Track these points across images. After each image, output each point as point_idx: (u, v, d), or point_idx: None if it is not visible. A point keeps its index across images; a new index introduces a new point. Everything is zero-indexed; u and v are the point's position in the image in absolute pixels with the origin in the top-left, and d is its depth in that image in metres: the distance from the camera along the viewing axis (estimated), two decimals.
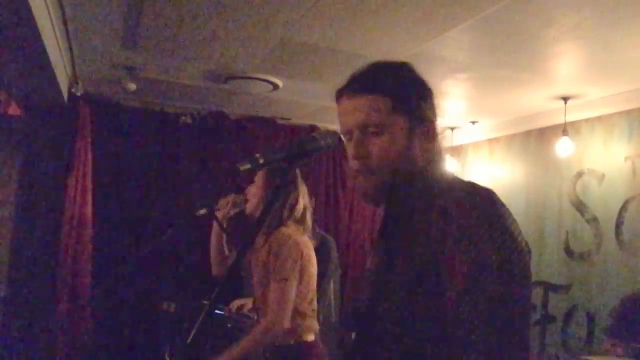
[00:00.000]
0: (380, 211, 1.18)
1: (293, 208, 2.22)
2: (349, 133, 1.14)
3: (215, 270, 2.53)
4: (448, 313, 0.94)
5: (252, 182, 2.37)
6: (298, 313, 2.13)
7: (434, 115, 1.16)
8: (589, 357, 3.23)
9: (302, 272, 2.14)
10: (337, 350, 3.21)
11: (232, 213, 2.45)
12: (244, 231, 2.52)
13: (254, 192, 2.32)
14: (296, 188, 2.26)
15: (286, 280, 2.08)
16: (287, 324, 2.05)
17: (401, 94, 1.11)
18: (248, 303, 2.78)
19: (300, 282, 2.14)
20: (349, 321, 1.19)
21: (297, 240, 2.14)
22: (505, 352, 0.91)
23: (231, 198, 2.45)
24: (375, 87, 1.11)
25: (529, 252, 1.00)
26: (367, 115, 1.10)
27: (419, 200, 1.08)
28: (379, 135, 1.09)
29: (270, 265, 2.12)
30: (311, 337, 2.16)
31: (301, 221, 2.24)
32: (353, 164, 1.13)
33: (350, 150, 1.13)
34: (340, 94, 1.17)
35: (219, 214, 2.42)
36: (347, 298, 4.33)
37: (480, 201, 1.01)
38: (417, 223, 1.04)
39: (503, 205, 1.02)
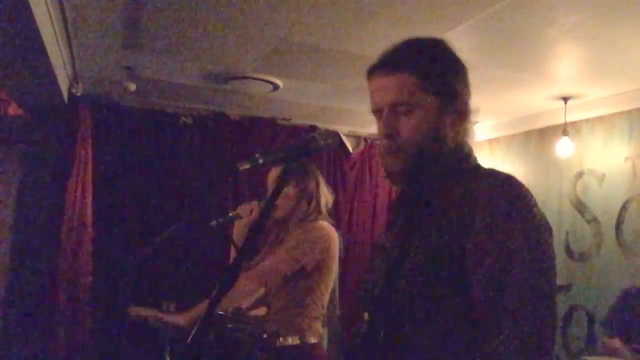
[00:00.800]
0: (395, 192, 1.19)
1: (318, 201, 2.22)
2: (378, 111, 1.14)
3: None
4: (476, 296, 0.96)
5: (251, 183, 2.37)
6: (310, 316, 2.12)
7: (467, 92, 1.14)
8: (589, 357, 3.23)
9: (323, 268, 2.12)
10: (344, 337, 3.21)
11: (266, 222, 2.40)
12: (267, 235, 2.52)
13: (283, 196, 2.24)
14: (316, 180, 2.25)
15: (296, 260, 2.06)
16: (260, 290, 2.07)
17: (432, 71, 1.10)
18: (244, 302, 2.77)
19: (319, 281, 2.13)
20: (361, 303, 1.16)
21: (329, 234, 2.14)
22: (536, 336, 0.92)
23: (254, 204, 2.41)
24: (406, 65, 1.09)
25: (551, 230, 1.02)
26: (397, 94, 1.09)
27: (448, 182, 1.08)
28: (409, 114, 1.08)
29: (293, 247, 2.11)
30: (314, 340, 2.14)
31: (322, 212, 2.24)
32: (382, 143, 1.13)
33: (380, 129, 1.13)
34: (371, 72, 1.15)
35: (242, 222, 2.38)
36: (347, 290, 4.32)
37: (508, 185, 1.03)
38: (444, 204, 1.04)
39: (527, 189, 1.04)
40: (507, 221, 0.97)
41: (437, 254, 1.00)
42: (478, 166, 1.14)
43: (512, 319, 0.92)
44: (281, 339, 2.13)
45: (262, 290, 2.61)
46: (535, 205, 1.01)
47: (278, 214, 2.25)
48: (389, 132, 1.10)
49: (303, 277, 2.12)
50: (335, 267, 2.18)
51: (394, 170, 1.12)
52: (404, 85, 1.08)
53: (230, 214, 2.46)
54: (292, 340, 2.08)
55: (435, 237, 1.01)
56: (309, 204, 2.21)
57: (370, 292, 1.13)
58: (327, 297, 2.18)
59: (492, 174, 1.08)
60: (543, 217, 1.01)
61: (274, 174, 2.30)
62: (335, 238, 2.17)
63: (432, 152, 1.09)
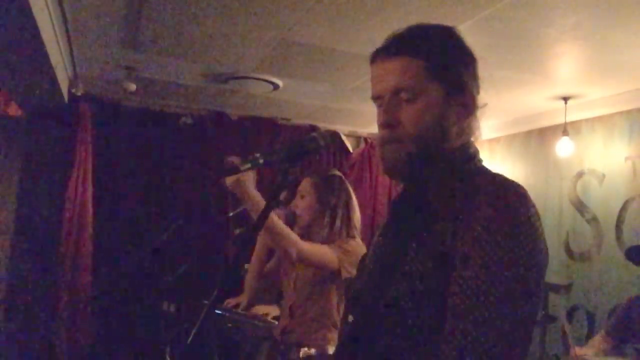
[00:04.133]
0: (398, 189, 1.09)
1: (347, 218, 2.18)
2: (379, 98, 1.04)
3: (254, 283, 2.47)
4: (456, 298, 0.89)
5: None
6: (329, 325, 2.12)
7: (476, 86, 1.05)
8: (590, 357, 3.23)
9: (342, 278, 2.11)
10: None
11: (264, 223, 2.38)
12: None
13: (305, 206, 2.24)
14: (341, 196, 2.21)
15: (337, 261, 2.06)
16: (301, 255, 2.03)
17: (439, 57, 1.01)
18: (243, 301, 2.77)
19: (339, 289, 2.13)
20: (348, 305, 1.11)
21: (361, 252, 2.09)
22: (506, 349, 0.86)
23: (276, 212, 2.39)
24: (410, 49, 1.01)
25: (543, 250, 0.94)
26: (400, 78, 1.00)
27: (450, 184, 0.99)
28: (411, 101, 1.00)
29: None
30: (332, 349, 2.10)
31: (357, 228, 2.22)
32: (381, 132, 1.04)
33: (379, 117, 1.03)
34: (373, 57, 1.07)
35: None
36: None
37: (513, 195, 0.93)
38: (444, 210, 0.96)
39: (533, 204, 0.95)
40: (490, 235, 0.88)
41: (430, 263, 0.93)
42: (482, 169, 1.05)
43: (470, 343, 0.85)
44: (303, 350, 2.12)
45: (275, 311, 2.61)
46: (526, 223, 0.91)
47: (299, 223, 2.25)
48: (389, 121, 1.01)
49: (330, 284, 2.12)
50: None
51: (393, 163, 1.02)
52: (408, 69, 0.99)
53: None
54: (313, 351, 2.07)
55: (430, 246, 0.94)
56: (333, 218, 2.17)
57: (357, 295, 1.07)
58: (341, 305, 2.17)
59: (491, 180, 0.99)
60: (534, 236, 0.91)
61: (305, 184, 2.28)
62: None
63: (434, 147, 1.00)
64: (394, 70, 1.01)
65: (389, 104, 1.01)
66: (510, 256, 0.88)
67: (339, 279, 2.11)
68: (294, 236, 2.03)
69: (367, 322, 0.99)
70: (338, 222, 2.17)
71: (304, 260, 2.07)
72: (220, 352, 2.20)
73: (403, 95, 1.00)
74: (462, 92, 1.02)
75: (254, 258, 2.47)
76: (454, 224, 0.92)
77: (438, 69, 1.00)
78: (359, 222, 2.25)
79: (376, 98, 1.05)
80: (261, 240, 2.39)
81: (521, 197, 0.93)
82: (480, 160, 1.07)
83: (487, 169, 1.06)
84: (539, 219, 0.94)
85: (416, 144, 1.00)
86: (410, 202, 1.05)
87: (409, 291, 0.94)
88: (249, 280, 2.53)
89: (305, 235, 2.23)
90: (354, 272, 2.03)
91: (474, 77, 1.05)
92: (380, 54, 1.05)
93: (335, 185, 2.23)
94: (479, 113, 1.06)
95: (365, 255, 1.15)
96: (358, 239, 2.20)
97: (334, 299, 2.15)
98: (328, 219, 2.18)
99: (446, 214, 0.94)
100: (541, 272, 0.92)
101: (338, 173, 2.35)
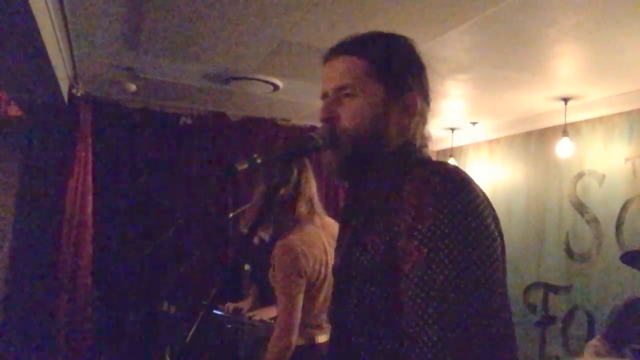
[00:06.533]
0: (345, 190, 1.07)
1: (294, 203, 2.11)
2: (324, 97, 1.06)
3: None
4: (402, 292, 0.86)
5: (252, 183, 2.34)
6: (316, 316, 2.10)
7: (422, 91, 1.05)
8: (591, 357, 3.22)
9: (313, 275, 2.07)
10: None
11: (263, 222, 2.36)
12: None
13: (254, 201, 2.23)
14: (294, 181, 2.12)
15: (286, 294, 2.01)
16: (293, 339, 1.97)
17: (382, 58, 1.02)
18: (244, 306, 2.78)
19: (321, 286, 2.09)
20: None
21: (289, 245, 2.04)
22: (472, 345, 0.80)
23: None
24: (356, 49, 1.03)
25: (491, 235, 0.88)
26: (341, 76, 1.02)
27: (392, 181, 0.96)
28: (352, 97, 1.01)
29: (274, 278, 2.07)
30: (324, 338, 2.11)
31: (311, 211, 2.14)
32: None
33: (320, 113, 1.04)
34: (325, 57, 1.08)
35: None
36: None
37: (437, 176, 0.89)
38: (379, 203, 0.95)
39: (474, 188, 0.90)
40: (427, 221, 0.84)
41: (375, 268, 0.90)
42: (423, 161, 1.02)
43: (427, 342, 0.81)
44: None
45: (274, 312, 2.59)
46: (469, 204, 0.86)
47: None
48: (328, 116, 1.02)
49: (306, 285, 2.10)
50: (316, 265, 2.13)
51: (332, 164, 1.03)
52: (352, 68, 1.01)
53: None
54: (299, 341, 2.07)
55: (372, 249, 0.92)
56: (282, 203, 2.08)
57: (330, 305, 1.07)
58: (323, 294, 2.15)
59: (425, 165, 0.96)
60: (478, 219, 0.86)
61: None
62: (306, 249, 2.05)
63: (372, 146, 1.01)
64: (338, 69, 1.03)
65: (329, 101, 1.03)
66: (443, 245, 0.83)
67: (316, 281, 2.10)
68: (274, 351, 2.00)
69: (338, 333, 1.00)
70: (282, 214, 2.11)
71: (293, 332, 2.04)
72: (220, 352, 2.20)
73: (344, 91, 1.02)
74: (405, 93, 1.03)
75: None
76: (391, 218, 0.90)
77: (381, 70, 1.02)
78: (310, 204, 2.15)
79: (323, 96, 1.07)
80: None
81: (457, 182, 0.89)
82: (423, 153, 1.05)
83: (429, 160, 1.04)
84: (482, 203, 0.89)
85: (352, 144, 1.00)
86: (353, 204, 1.05)
87: (361, 307, 0.92)
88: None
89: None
90: (302, 274, 2.01)
91: (420, 83, 1.06)
92: (330, 55, 1.07)
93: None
94: (426, 117, 1.06)
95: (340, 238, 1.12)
96: (303, 228, 2.10)
97: (320, 294, 2.13)
98: (277, 205, 2.10)
99: (384, 210, 0.93)
100: (489, 258, 0.85)
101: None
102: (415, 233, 0.86)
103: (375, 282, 0.91)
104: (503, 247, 0.93)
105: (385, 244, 0.90)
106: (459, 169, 0.93)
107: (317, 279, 2.09)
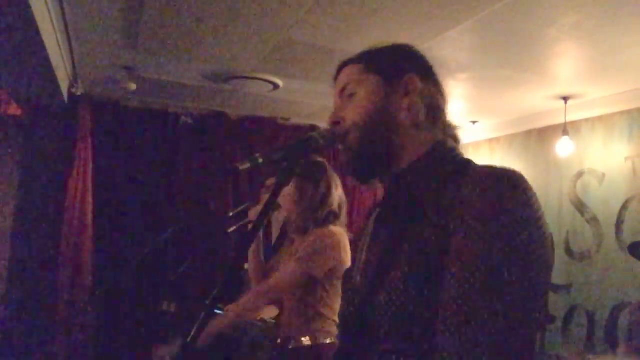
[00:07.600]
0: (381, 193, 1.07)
1: (325, 202, 2.14)
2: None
3: (256, 282, 2.47)
4: (449, 297, 0.84)
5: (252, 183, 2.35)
6: (322, 319, 2.10)
7: (422, 72, 1.06)
8: (592, 357, 3.23)
9: (333, 276, 2.08)
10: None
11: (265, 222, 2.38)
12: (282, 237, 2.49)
13: (285, 194, 2.19)
14: (322, 182, 2.18)
15: (306, 273, 2.04)
16: (263, 305, 2.05)
17: (375, 56, 1.08)
18: None
19: (330, 288, 2.10)
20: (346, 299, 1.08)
21: (339, 241, 2.08)
22: (509, 347, 0.81)
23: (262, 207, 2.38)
24: (353, 59, 1.09)
25: (546, 241, 0.88)
26: (342, 81, 1.08)
27: (434, 183, 0.96)
28: (353, 95, 1.05)
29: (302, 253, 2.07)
30: (328, 340, 2.11)
31: (338, 216, 2.17)
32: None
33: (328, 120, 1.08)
34: (333, 80, 1.13)
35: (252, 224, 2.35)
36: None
37: (496, 181, 0.89)
38: (430, 212, 0.92)
39: (524, 187, 0.90)
40: (486, 227, 0.83)
41: (420, 273, 0.88)
42: (467, 162, 1.03)
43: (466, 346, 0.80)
44: (294, 341, 2.12)
45: (275, 311, 2.60)
46: (527, 208, 0.86)
47: (282, 214, 2.24)
48: (335, 119, 1.05)
49: (314, 284, 2.10)
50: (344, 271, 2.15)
51: (348, 163, 1.04)
52: (349, 73, 1.07)
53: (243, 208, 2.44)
54: (305, 342, 2.06)
55: (417, 253, 0.90)
56: (309, 207, 2.14)
57: (346, 310, 1.05)
58: (339, 300, 2.15)
59: (482, 170, 0.95)
60: (541, 230, 0.86)
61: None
62: (346, 245, 2.10)
63: (380, 135, 1.01)
64: (341, 78, 1.09)
65: (336, 106, 1.08)
66: (509, 250, 0.83)
67: (327, 281, 2.11)
68: (255, 302, 2.11)
69: (355, 340, 0.98)
70: (315, 211, 2.14)
71: (278, 295, 2.13)
72: (220, 352, 2.19)
73: (346, 92, 1.06)
74: (402, 77, 1.04)
75: (251, 263, 2.47)
76: (445, 222, 0.89)
77: (374, 62, 1.06)
78: (343, 209, 2.21)
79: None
80: (257, 241, 2.39)
81: (517, 184, 0.89)
82: (459, 154, 1.07)
83: (473, 162, 1.05)
84: (542, 212, 0.89)
85: (359, 137, 1.02)
86: (396, 205, 1.02)
87: (402, 295, 0.90)
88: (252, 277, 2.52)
89: (289, 225, 2.24)
90: (330, 263, 2.04)
91: (420, 65, 1.07)
92: (335, 72, 1.12)
93: (316, 174, 2.21)
94: (438, 99, 1.07)
95: (358, 243, 1.11)
96: (337, 227, 2.15)
97: (328, 298, 2.13)
98: (305, 208, 2.15)
99: (435, 212, 0.91)
100: (544, 270, 0.86)
101: (321, 160, 2.32)
102: (474, 234, 0.85)
103: (419, 282, 0.89)
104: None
105: (435, 244, 0.89)
106: (521, 174, 0.92)
107: (340, 277, 2.10)
